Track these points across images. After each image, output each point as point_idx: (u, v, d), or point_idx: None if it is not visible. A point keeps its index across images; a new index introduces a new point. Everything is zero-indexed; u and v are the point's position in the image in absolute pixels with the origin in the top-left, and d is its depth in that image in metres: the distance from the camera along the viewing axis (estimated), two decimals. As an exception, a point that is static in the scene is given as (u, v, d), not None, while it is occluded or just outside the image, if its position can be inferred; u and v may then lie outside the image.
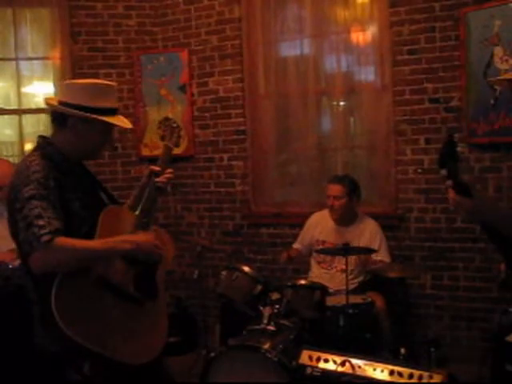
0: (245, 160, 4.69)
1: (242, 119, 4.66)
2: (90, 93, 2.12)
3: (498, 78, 3.36)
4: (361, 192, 3.89)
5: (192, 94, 4.78)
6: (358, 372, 2.64)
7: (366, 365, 2.65)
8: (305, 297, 3.31)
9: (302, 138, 4.54)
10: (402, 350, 3.19)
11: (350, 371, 2.66)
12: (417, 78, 4.05)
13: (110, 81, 2.36)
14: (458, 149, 2.01)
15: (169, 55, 4.80)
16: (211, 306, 4.52)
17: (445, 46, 3.95)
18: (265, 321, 3.20)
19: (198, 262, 4.11)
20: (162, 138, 2.44)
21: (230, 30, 4.63)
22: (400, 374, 2.57)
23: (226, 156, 4.74)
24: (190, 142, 4.76)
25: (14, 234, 2.01)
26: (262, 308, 3.28)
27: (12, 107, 4.84)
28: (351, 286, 3.47)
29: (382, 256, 3.73)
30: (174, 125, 2.45)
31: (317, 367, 2.72)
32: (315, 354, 2.76)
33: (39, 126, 4.88)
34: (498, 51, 3.66)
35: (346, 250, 3.30)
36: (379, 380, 2.60)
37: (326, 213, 3.93)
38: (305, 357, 2.77)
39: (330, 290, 3.53)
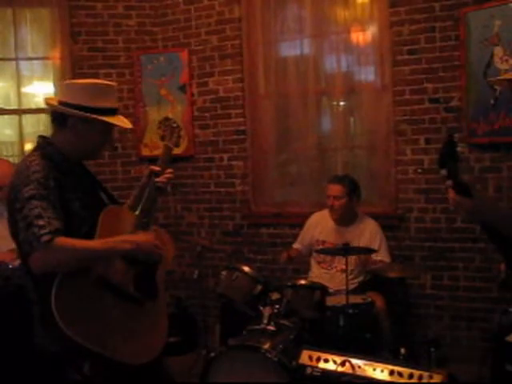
0: (245, 160, 4.69)
1: (242, 119, 4.66)
2: (90, 93, 2.12)
3: (498, 78, 3.36)
4: (361, 192, 3.89)
5: (192, 94, 4.78)
6: (358, 372, 2.64)
7: (366, 365, 2.65)
8: (305, 297, 3.31)
9: (302, 138, 4.54)
10: (402, 350, 3.18)
11: (350, 371, 2.66)
12: (417, 78, 4.05)
13: (110, 81, 2.36)
14: (458, 149, 2.01)
15: (169, 55, 4.80)
16: (211, 306, 4.52)
17: (445, 46, 3.95)
18: (265, 321, 3.20)
19: (198, 262, 4.11)
20: (162, 138, 2.44)
21: (230, 30, 4.63)
22: (400, 374, 2.57)
23: (226, 156, 4.74)
24: (190, 142, 4.76)
25: (14, 234, 2.01)
26: (261, 308, 3.28)
27: (12, 107, 4.84)
28: (351, 286, 3.47)
29: (381, 256, 3.73)
30: (174, 125, 2.45)
31: (317, 367, 2.72)
32: (315, 354, 2.76)
33: (39, 126, 4.88)
34: (498, 51, 3.66)
35: (345, 250, 3.30)
36: (379, 380, 2.60)
37: (325, 213, 3.93)
38: (305, 357, 2.77)
39: (330, 290, 3.53)
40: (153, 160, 2.64)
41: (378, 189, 4.33)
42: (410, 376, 2.55)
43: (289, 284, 3.37)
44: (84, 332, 1.91)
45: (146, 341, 2.12)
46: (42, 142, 2.15)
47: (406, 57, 4.07)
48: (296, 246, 4.07)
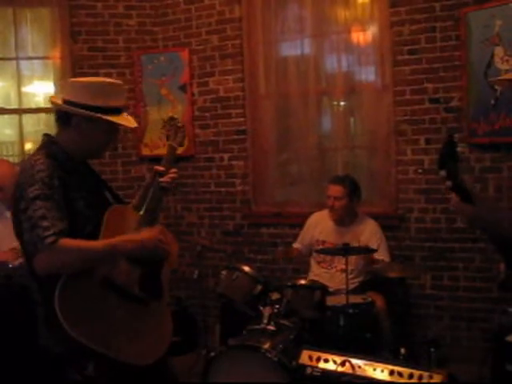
0: (245, 160, 4.69)
1: (242, 119, 4.66)
2: (94, 91, 2.10)
3: (499, 78, 3.37)
4: (361, 192, 3.89)
5: (192, 94, 4.79)
6: (358, 372, 2.65)
7: (366, 365, 2.66)
8: (305, 297, 3.32)
9: (302, 138, 4.54)
10: (402, 350, 3.18)
11: (350, 371, 2.66)
12: (417, 78, 4.05)
13: (110, 81, 2.35)
14: (458, 149, 2.00)
15: (169, 55, 4.80)
16: (211, 306, 4.52)
17: (445, 46, 3.95)
18: (265, 321, 3.20)
19: (198, 262, 4.11)
20: (167, 138, 2.42)
21: (230, 29, 4.63)
22: (400, 374, 2.58)
23: (226, 156, 4.74)
24: (191, 141, 4.76)
25: (19, 234, 2.01)
26: (261, 308, 3.29)
27: (12, 107, 4.83)
28: (351, 286, 3.47)
29: (381, 256, 3.73)
30: (179, 124, 2.44)
31: (317, 367, 2.72)
32: (315, 354, 2.76)
33: (39, 125, 4.88)
34: (499, 51, 3.65)
35: (345, 250, 3.31)
36: (379, 380, 2.60)
37: (325, 213, 3.93)
38: (305, 357, 2.78)
39: (330, 290, 3.53)
40: (153, 160, 2.64)
41: (378, 189, 4.33)
42: (410, 376, 2.56)
43: (289, 284, 3.37)
44: (88, 333, 1.90)
45: (150, 341, 2.11)
46: (47, 141, 2.14)
47: (407, 57, 4.07)
48: (296, 245, 4.07)
